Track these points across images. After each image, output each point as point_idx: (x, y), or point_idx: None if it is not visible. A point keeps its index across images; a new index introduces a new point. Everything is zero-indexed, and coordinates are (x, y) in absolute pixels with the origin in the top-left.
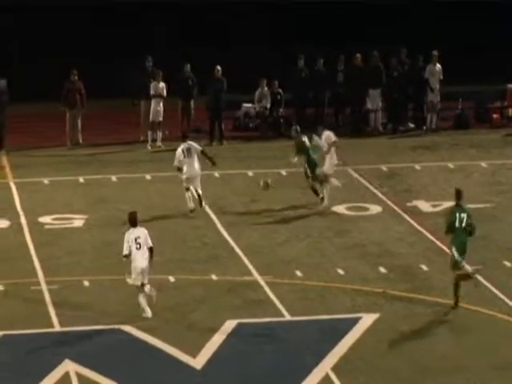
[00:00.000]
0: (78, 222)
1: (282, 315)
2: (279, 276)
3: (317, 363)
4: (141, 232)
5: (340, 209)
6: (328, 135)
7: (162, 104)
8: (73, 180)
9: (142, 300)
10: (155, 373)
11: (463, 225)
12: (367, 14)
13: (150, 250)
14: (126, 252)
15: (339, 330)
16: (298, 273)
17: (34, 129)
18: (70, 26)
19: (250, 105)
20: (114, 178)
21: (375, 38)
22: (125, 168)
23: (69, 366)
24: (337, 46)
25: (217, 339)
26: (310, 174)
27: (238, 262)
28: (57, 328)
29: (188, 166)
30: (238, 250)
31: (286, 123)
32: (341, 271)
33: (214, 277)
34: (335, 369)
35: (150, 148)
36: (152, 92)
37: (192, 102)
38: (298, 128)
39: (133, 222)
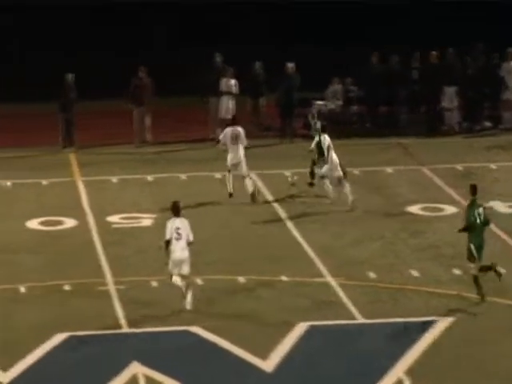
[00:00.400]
0: (147, 221)
1: (354, 318)
2: (351, 277)
3: (390, 367)
4: (182, 223)
5: (414, 209)
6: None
7: (232, 101)
8: (141, 178)
9: (176, 280)
10: (224, 375)
11: (481, 220)
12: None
13: (189, 243)
14: (168, 237)
15: (413, 333)
16: (371, 274)
17: (101, 126)
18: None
19: (321, 102)
20: (182, 177)
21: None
22: (193, 166)
23: (136, 368)
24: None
25: (287, 342)
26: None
27: (308, 262)
28: (124, 329)
29: (232, 151)
30: (308, 250)
31: (358, 121)
32: (415, 273)
33: (284, 278)
34: (409, 372)
35: (217, 145)
36: (222, 89)
37: (262, 100)
38: (315, 113)
39: (176, 211)
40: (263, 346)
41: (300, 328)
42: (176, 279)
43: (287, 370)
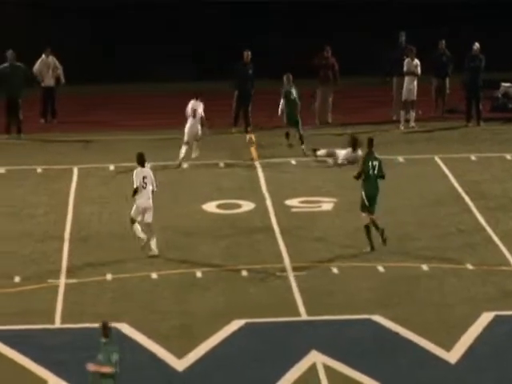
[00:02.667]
0: (327, 205)
1: None
2: None
3: None
4: (148, 172)
5: None
6: None
7: (415, 82)
8: (324, 161)
9: (136, 227)
10: (407, 367)
11: (375, 172)
12: None
13: (152, 192)
14: (137, 185)
15: None
16: None
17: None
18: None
19: (509, 84)
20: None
21: None
22: (376, 149)
23: (316, 357)
24: None
25: (472, 332)
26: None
27: (495, 250)
28: (303, 317)
29: (189, 122)
30: (495, 237)
31: None
32: None
33: (469, 266)
34: None
35: (402, 128)
36: (405, 69)
37: (447, 81)
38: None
39: (141, 161)
40: (447, 337)
41: (485, 318)
42: (137, 227)
43: (472, 363)
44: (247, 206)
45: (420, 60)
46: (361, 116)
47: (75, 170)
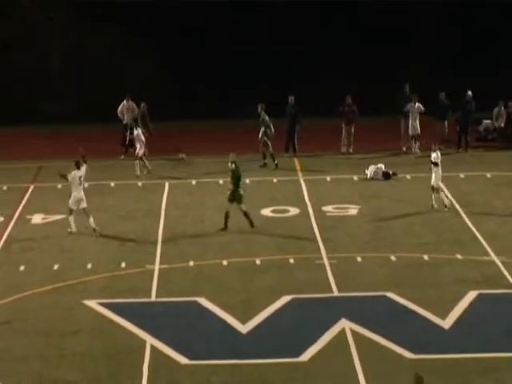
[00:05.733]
0: (353, 210)
1: None
2: None
3: None
4: (82, 173)
5: None
6: None
7: (417, 121)
8: (348, 178)
9: (71, 219)
10: (413, 331)
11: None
12: None
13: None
14: (70, 180)
15: None
16: None
17: (320, 139)
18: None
19: (489, 121)
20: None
21: None
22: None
23: (344, 324)
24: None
25: (461, 306)
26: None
27: (478, 245)
28: (335, 293)
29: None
30: (478, 235)
31: None
32: None
33: (459, 256)
34: None
35: (410, 155)
36: (410, 111)
37: (446, 122)
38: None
39: (77, 165)
40: (443, 309)
41: (471, 295)
42: (72, 219)
43: (461, 328)
44: (294, 211)
45: (425, 106)
46: (380, 146)
47: (166, 184)
